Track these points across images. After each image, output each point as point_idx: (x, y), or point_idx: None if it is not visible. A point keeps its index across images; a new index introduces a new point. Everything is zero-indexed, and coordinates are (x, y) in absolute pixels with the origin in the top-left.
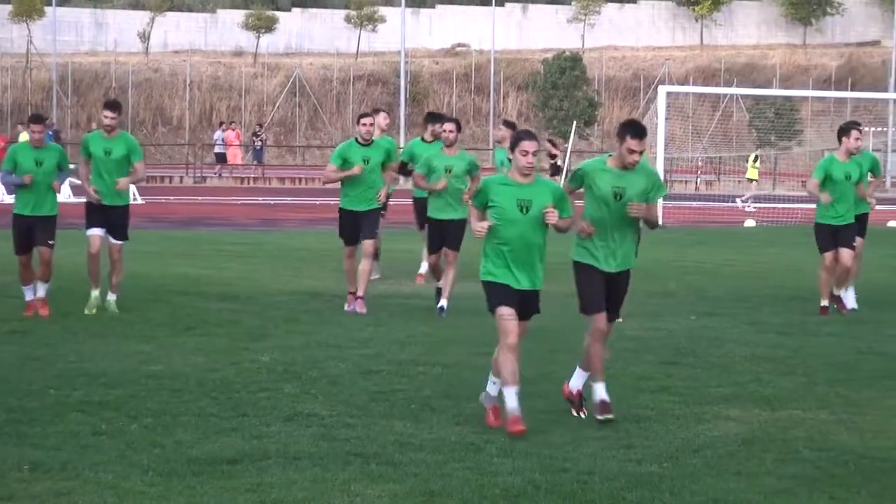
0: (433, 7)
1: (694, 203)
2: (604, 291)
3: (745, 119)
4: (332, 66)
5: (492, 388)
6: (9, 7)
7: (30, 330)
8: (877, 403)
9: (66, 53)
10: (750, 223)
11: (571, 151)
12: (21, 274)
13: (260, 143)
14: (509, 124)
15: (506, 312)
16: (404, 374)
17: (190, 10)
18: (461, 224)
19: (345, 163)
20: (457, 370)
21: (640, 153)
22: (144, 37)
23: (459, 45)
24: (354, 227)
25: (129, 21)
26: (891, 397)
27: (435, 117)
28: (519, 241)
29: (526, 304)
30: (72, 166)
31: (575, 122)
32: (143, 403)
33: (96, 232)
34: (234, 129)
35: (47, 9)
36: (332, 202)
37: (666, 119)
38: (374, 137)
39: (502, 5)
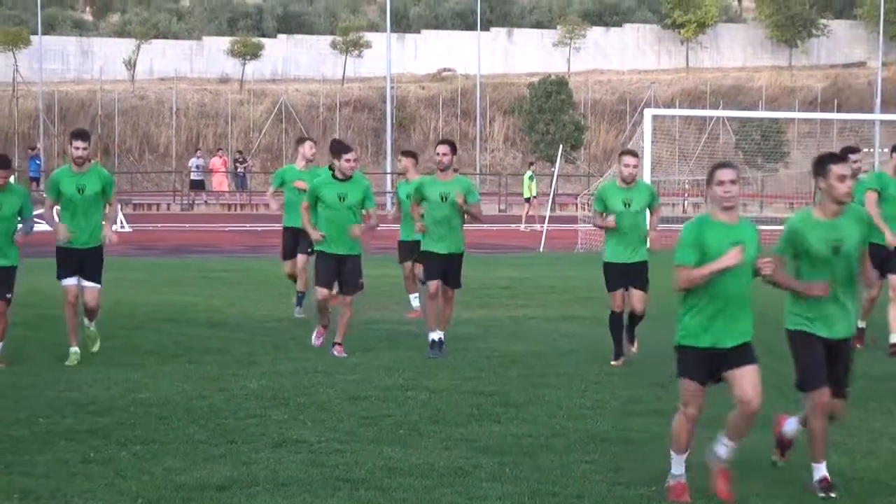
0: (418, 32)
1: (681, 226)
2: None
3: (732, 141)
4: (318, 92)
5: (721, 449)
6: None
7: (17, 359)
8: (865, 425)
9: (53, 82)
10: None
11: (558, 175)
12: None
13: (243, 170)
14: (410, 154)
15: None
16: (392, 399)
17: (176, 37)
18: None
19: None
20: (445, 395)
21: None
22: (130, 64)
23: (445, 69)
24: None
25: (115, 49)
26: (877, 419)
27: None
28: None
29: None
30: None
31: (561, 146)
32: (131, 431)
33: (71, 281)
34: (220, 156)
35: (33, 37)
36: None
37: (652, 142)
38: (301, 168)
39: (487, 30)
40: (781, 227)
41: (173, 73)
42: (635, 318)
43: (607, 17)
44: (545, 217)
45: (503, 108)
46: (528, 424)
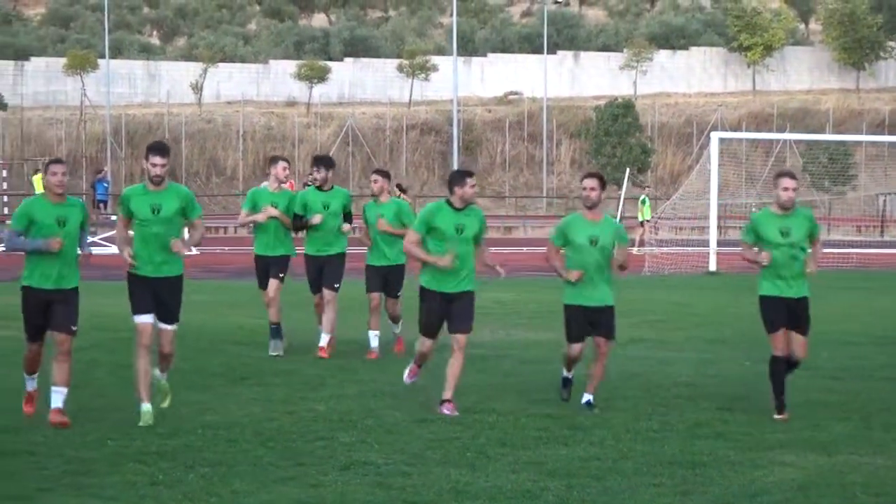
0: (485, 55)
1: (665, 249)
2: None
3: (799, 164)
4: (384, 115)
5: None
6: (63, 60)
7: (85, 382)
8: None
9: (120, 105)
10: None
11: (625, 199)
12: (26, 361)
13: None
14: (383, 173)
15: None
16: (459, 422)
17: (242, 60)
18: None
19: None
20: (512, 418)
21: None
22: (197, 88)
23: (512, 92)
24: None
25: (182, 72)
26: None
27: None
28: None
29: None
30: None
31: (628, 169)
32: (199, 453)
33: (146, 319)
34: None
35: (101, 61)
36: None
37: (719, 165)
38: (274, 189)
39: (554, 53)
40: (849, 251)
41: (240, 96)
42: (790, 366)
43: (674, 40)
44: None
45: (570, 131)
46: (595, 447)
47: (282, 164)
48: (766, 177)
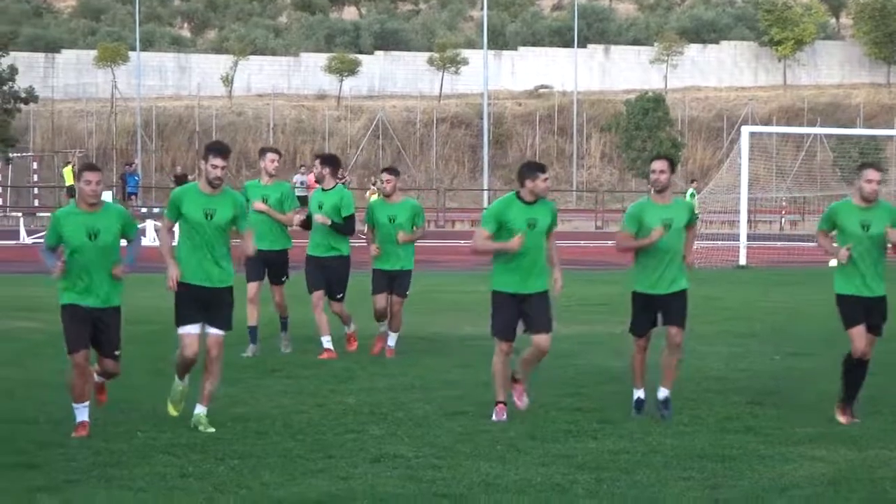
0: (515, 49)
1: (778, 243)
2: None
3: (830, 158)
4: (415, 108)
5: None
6: (94, 53)
7: None
8: None
9: (151, 98)
10: (834, 263)
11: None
12: (72, 383)
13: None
14: (393, 171)
15: None
16: (489, 414)
17: (273, 53)
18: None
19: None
20: (542, 411)
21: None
22: (228, 80)
23: (542, 86)
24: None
25: (213, 65)
26: None
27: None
28: None
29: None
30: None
31: None
32: (229, 445)
33: (192, 330)
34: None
35: (131, 54)
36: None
37: (749, 159)
38: (266, 183)
39: (584, 47)
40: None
41: (270, 89)
42: (861, 367)
43: (704, 35)
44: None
45: (600, 124)
46: (625, 440)
47: (270, 156)
48: (796, 171)
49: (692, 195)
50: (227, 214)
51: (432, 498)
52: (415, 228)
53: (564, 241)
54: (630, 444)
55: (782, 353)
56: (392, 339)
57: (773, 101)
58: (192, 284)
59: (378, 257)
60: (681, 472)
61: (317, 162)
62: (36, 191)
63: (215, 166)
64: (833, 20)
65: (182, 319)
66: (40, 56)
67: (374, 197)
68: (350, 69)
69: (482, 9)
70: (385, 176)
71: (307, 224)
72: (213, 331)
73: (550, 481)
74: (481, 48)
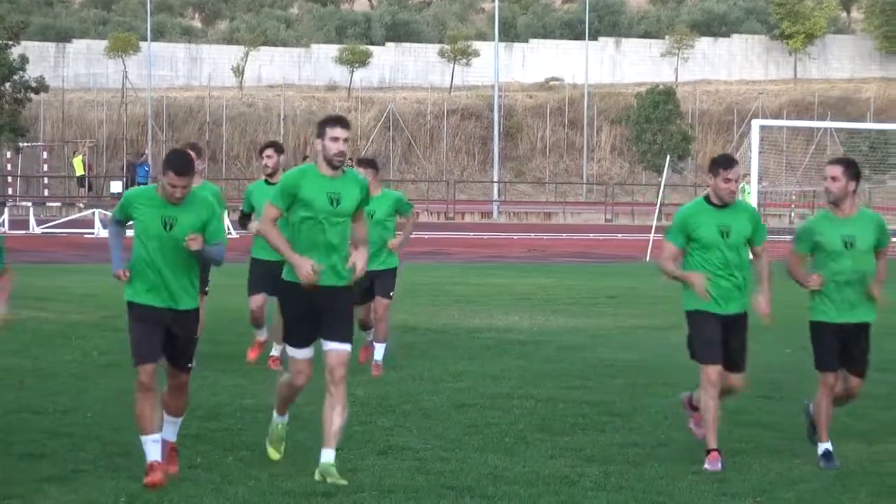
0: (526, 41)
1: (788, 237)
2: None
3: (840, 152)
4: (425, 100)
5: None
6: (104, 43)
7: (124, 363)
8: None
9: (161, 88)
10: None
11: (665, 185)
12: (139, 410)
13: None
14: (369, 163)
15: None
16: (498, 407)
17: (284, 44)
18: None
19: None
20: (550, 404)
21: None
22: (238, 71)
23: (553, 78)
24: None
25: (224, 56)
26: None
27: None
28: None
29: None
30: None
31: (668, 156)
32: (238, 437)
33: (307, 354)
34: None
35: (142, 44)
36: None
37: (760, 153)
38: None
39: (595, 39)
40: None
41: (281, 80)
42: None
43: (715, 28)
44: None
45: (610, 117)
46: (633, 434)
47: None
48: (806, 164)
49: (746, 192)
50: (352, 199)
51: (440, 490)
52: (399, 220)
53: (574, 234)
54: (639, 437)
55: (794, 347)
56: (379, 352)
57: (783, 94)
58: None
59: None
60: (689, 466)
61: (358, 168)
62: (46, 180)
63: (336, 139)
64: (844, 14)
65: (294, 339)
66: (51, 46)
67: None
68: (361, 61)
69: (493, 1)
70: (358, 169)
71: None
72: (336, 346)
73: (558, 474)
74: (492, 40)
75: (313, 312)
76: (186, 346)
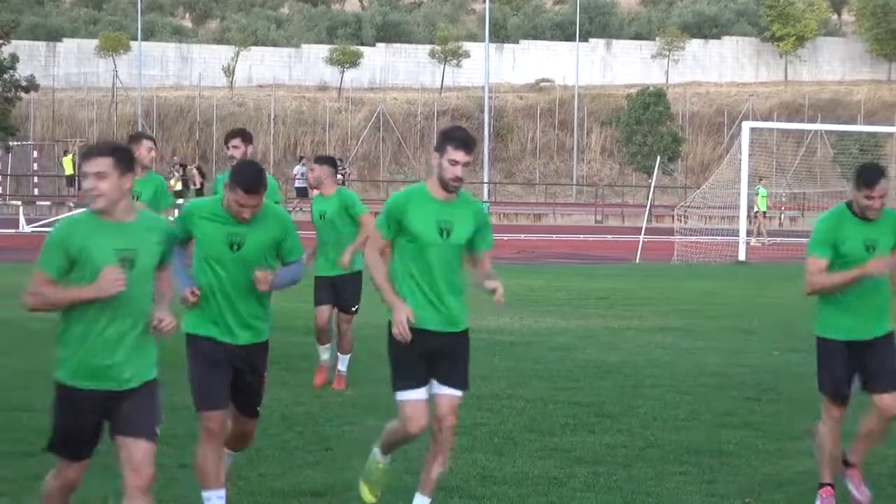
0: (517, 42)
1: (778, 239)
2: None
3: (830, 155)
4: (416, 100)
5: None
6: (95, 42)
7: None
8: None
9: (152, 88)
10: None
11: (655, 187)
12: (202, 461)
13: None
14: (326, 160)
15: None
16: (487, 407)
17: (274, 44)
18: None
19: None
20: (539, 404)
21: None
22: (229, 71)
23: (543, 80)
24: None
25: (214, 55)
26: None
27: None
28: None
29: None
30: None
31: (659, 158)
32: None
33: (420, 396)
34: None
35: (133, 43)
36: None
37: (750, 155)
38: (138, 177)
39: (586, 41)
40: None
41: (272, 80)
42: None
43: (706, 30)
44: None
45: (601, 119)
46: (622, 435)
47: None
48: (796, 167)
49: (759, 192)
50: (466, 228)
51: None
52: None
53: (564, 235)
54: (627, 438)
55: (781, 349)
56: (343, 363)
57: (773, 96)
58: (420, 329)
59: (317, 261)
60: (678, 467)
61: (313, 165)
62: (36, 179)
63: (455, 162)
64: (835, 16)
65: (404, 381)
66: (41, 45)
67: (179, 186)
68: (351, 61)
69: (484, 1)
70: (312, 165)
71: None
72: (449, 392)
73: (547, 474)
74: (483, 41)
75: (427, 356)
76: (258, 387)
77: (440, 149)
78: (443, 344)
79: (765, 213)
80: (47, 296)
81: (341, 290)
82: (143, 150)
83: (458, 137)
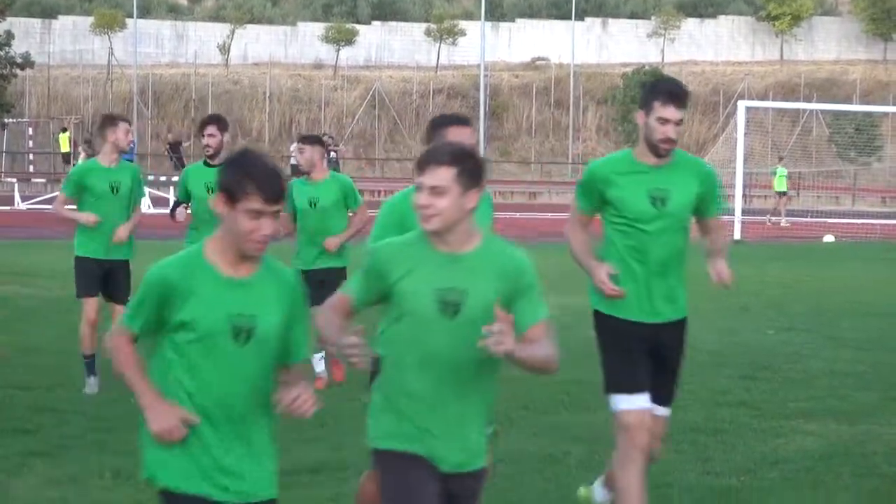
0: (513, 21)
1: (774, 218)
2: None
3: (825, 134)
4: (411, 79)
5: None
6: (90, 19)
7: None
8: None
9: (147, 65)
10: (829, 238)
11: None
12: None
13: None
14: (314, 139)
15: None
16: None
17: (270, 22)
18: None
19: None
20: (535, 382)
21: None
22: (224, 49)
23: (539, 58)
24: None
25: (210, 33)
26: None
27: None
28: None
29: None
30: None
31: None
32: None
33: (644, 403)
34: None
35: (128, 21)
36: None
37: (745, 134)
38: (113, 166)
39: (582, 19)
40: (874, 222)
41: (267, 58)
42: None
43: (702, 9)
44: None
45: (596, 97)
46: None
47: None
48: (791, 146)
49: (777, 172)
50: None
51: None
52: (350, 215)
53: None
54: None
55: (776, 328)
56: (320, 364)
57: (769, 76)
58: (637, 322)
59: (299, 254)
60: (673, 446)
61: (302, 146)
62: (31, 157)
63: (664, 120)
64: None
65: (626, 382)
66: (37, 22)
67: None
68: (347, 39)
69: None
70: (301, 145)
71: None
72: (660, 411)
73: (543, 452)
74: (479, 19)
75: (647, 347)
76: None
77: (646, 105)
78: (661, 334)
79: (785, 192)
80: None
81: (328, 285)
82: (121, 134)
83: (667, 90)
